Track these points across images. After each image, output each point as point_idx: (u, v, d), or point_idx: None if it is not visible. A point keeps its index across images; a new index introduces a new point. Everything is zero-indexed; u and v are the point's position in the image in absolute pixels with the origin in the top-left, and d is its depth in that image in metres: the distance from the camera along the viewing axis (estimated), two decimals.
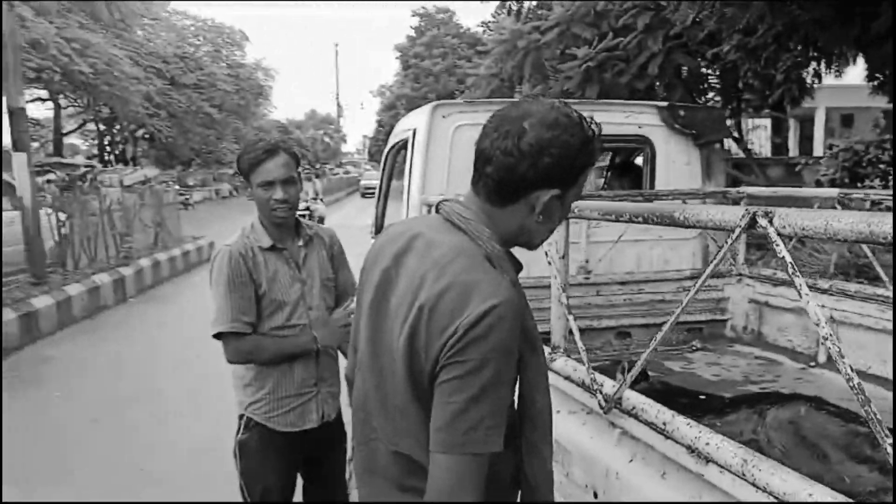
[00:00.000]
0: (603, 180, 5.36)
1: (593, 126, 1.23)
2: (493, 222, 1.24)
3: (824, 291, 3.18)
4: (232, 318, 2.12)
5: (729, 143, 15.86)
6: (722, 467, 1.26)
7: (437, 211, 1.33)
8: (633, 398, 1.56)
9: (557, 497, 1.82)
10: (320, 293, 2.26)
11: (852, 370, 0.97)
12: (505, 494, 1.32)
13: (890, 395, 2.48)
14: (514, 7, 16.07)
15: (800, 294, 1.07)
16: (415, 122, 3.48)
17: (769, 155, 18.74)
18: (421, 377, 1.17)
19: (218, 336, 2.16)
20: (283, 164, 2.12)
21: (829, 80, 11.62)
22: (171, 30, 30.16)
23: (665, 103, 3.75)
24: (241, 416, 2.26)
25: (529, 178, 1.18)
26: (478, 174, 1.25)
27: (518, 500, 1.37)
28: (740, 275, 3.68)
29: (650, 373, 2.91)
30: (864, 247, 3.34)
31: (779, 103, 12.74)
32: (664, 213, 1.42)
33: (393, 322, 1.23)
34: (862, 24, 8.74)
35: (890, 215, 0.96)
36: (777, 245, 1.11)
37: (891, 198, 3.16)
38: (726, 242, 1.27)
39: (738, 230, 1.20)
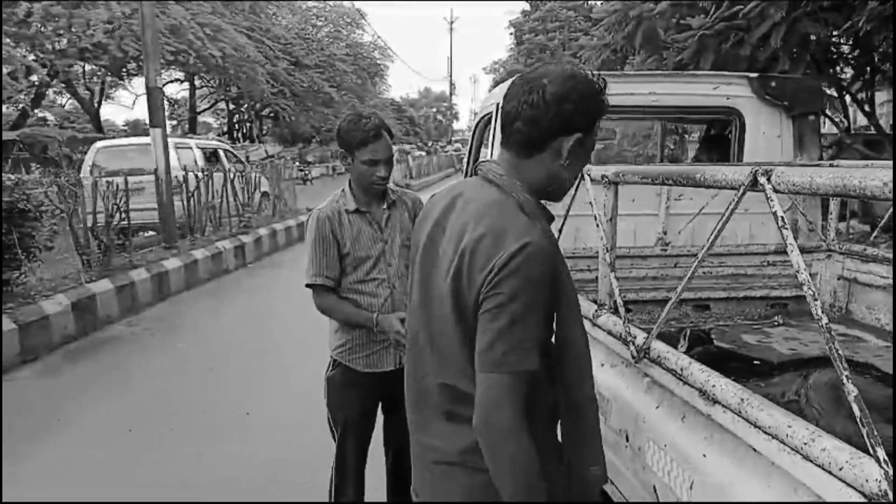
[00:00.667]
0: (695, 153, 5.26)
1: (601, 80, 1.40)
2: (523, 175, 1.41)
3: None
4: (314, 273, 2.42)
5: (858, 120, 14.73)
6: (725, 406, 1.37)
7: (475, 173, 1.51)
8: (659, 348, 1.67)
9: None
10: (400, 252, 2.50)
11: (822, 311, 1.06)
12: (545, 423, 1.47)
13: None
14: None
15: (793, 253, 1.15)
16: (499, 95, 3.62)
17: None
18: (465, 312, 1.35)
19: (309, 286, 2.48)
20: (387, 145, 2.40)
21: None
22: (294, 12, 31.53)
23: (755, 74, 3.66)
24: (331, 358, 2.57)
25: (555, 125, 1.36)
26: (506, 133, 1.43)
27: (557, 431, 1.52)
28: (829, 250, 3.57)
29: (717, 342, 2.94)
30: None
31: None
32: (688, 174, 1.52)
33: (440, 268, 1.41)
34: None
35: (869, 170, 1.04)
36: (771, 201, 1.19)
37: None
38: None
39: (742, 188, 1.29)
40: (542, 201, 1.48)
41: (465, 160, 4.41)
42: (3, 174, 6.15)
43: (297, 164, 26.24)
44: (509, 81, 3.59)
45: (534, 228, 1.33)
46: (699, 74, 3.91)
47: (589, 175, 2.06)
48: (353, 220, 2.45)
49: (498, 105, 3.59)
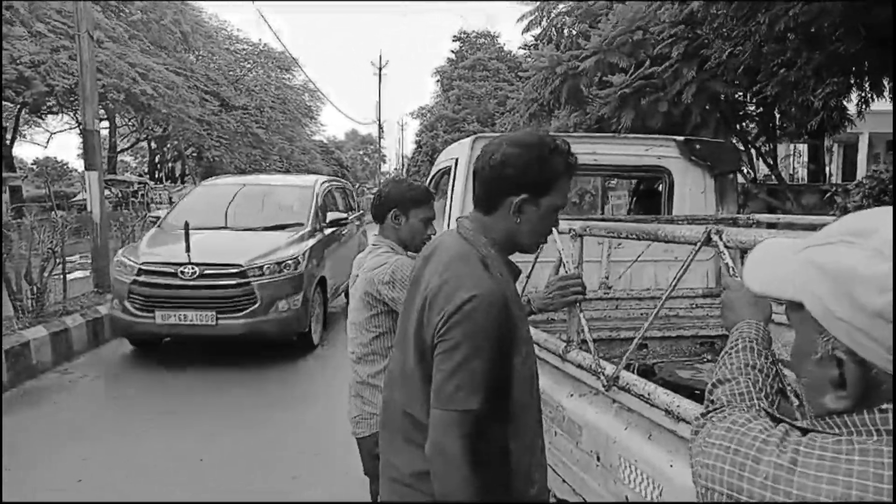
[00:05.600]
0: (628, 206, 5.74)
1: (557, 143, 1.58)
2: (488, 230, 1.62)
3: None
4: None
5: (761, 170, 15.98)
6: (687, 423, 1.66)
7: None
8: (627, 377, 1.96)
9: (568, 462, 2.23)
10: None
11: None
12: (495, 461, 1.58)
13: None
14: (554, 36, 16.59)
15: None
16: (457, 152, 3.94)
17: (805, 181, 18.75)
18: (425, 352, 1.55)
19: None
20: (434, 207, 2.65)
21: (875, 105, 11.58)
22: (223, 56, 31.42)
23: (682, 137, 4.14)
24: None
25: (498, 186, 1.58)
26: (473, 192, 1.67)
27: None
28: None
29: (659, 376, 3.27)
30: None
31: (818, 130, 12.85)
32: (650, 230, 1.84)
33: (413, 312, 1.62)
34: None
35: (803, 233, 1.36)
36: (723, 255, 1.51)
37: None
38: (691, 254, 1.67)
39: (698, 244, 1.61)
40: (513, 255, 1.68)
41: None
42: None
43: None
44: (468, 140, 3.92)
45: (487, 281, 1.51)
46: (633, 137, 4.37)
47: (556, 228, 2.36)
48: None
49: (456, 160, 3.90)
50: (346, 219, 8.75)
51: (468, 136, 3.99)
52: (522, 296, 2.22)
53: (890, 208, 0.77)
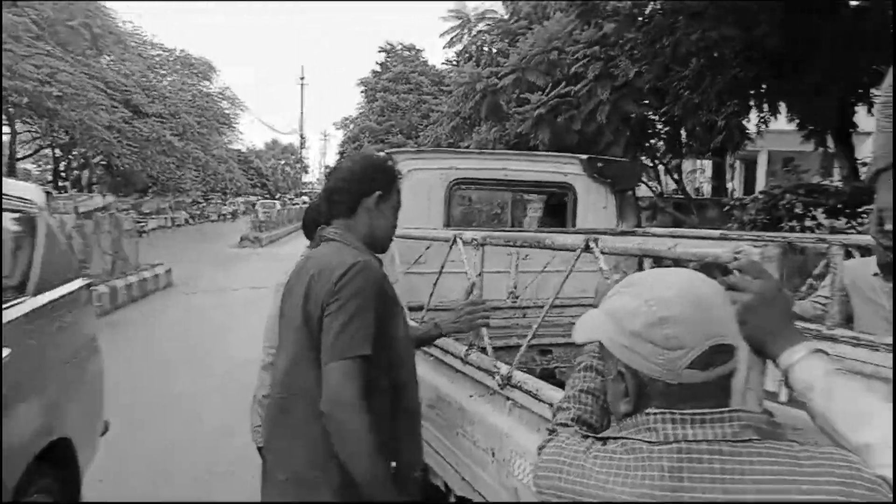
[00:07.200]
0: (538, 219, 5.99)
1: (381, 154, 2.01)
2: (353, 231, 1.90)
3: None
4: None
5: (669, 185, 16.80)
6: None
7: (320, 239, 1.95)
8: (520, 376, 2.10)
9: (467, 461, 2.35)
10: None
11: None
12: (380, 423, 1.74)
13: None
14: (475, 53, 17.03)
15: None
16: None
17: (709, 195, 19.84)
18: (312, 321, 1.73)
19: None
20: None
21: (773, 125, 12.42)
22: (135, 62, 30.33)
23: (586, 156, 4.38)
24: None
25: (354, 191, 1.90)
26: (331, 204, 1.94)
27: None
28: None
29: (560, 378, 3.45)
30: None
31: (720, 148, 13.68)
32: (539, 239, 1.99)
33: (293, 314, 1.81)
34: (794, 80, 9.59)
35: (664, 239, 1.52)
36: (599, 259, 1.67)
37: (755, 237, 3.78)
38: (572, 263, 1.83)
39: (578, 251, 1.77)
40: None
41: None
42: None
43: (134, 214, 24.86)
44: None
45: (362, 255, 1.80)
46: (542, 155, 4.60)
47: (461, 238, 2.50)
48: None
49: None
50: None
51: (390, 149, 4.11)
52: (430, 320, 2.48)
53: (659, 270, 1.13)
